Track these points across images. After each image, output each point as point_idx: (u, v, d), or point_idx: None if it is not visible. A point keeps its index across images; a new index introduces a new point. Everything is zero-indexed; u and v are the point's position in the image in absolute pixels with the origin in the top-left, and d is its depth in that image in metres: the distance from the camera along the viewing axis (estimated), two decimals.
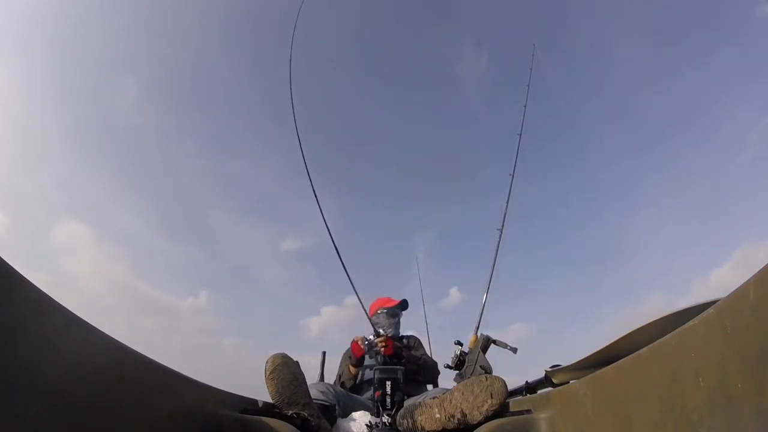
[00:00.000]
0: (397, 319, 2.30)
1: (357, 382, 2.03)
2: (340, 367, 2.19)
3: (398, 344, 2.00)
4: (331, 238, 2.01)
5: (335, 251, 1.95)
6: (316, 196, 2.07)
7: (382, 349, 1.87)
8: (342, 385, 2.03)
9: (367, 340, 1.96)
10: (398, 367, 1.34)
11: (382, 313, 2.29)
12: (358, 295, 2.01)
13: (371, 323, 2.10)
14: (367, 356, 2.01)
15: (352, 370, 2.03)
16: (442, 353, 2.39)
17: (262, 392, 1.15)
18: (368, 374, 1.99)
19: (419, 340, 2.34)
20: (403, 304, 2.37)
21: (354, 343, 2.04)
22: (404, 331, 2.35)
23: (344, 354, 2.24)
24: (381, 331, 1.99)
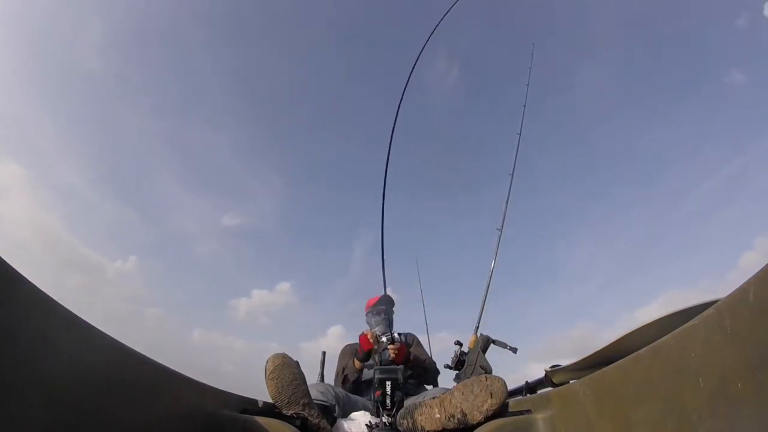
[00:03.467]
0: (383, 315, 2.26)
1: (360, 379, 2.02)
2: (339, 363, 2.18)
3: (408, 351, 1.96)
4: (382, 233, 1.84)
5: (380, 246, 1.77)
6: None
7: (392, 355, 1.84)
8: (344, 379, 2.02)
9: (380, 339, 1.90)
10: (398, 366, 1.33)
11: (370, 311, 2.28)
12: (385, 289, 1.90)
13: (366, 323, 2.09)
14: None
15: (357, 364, 2.01)
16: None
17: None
18: (368, 374, 1.99)
19: (417, 338, 2.34)
20: (386, 300, 2.30)
21: (363, 336, 2.00)
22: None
23: (342, 351, 2.24)
24: (396, 335, 1.94)
